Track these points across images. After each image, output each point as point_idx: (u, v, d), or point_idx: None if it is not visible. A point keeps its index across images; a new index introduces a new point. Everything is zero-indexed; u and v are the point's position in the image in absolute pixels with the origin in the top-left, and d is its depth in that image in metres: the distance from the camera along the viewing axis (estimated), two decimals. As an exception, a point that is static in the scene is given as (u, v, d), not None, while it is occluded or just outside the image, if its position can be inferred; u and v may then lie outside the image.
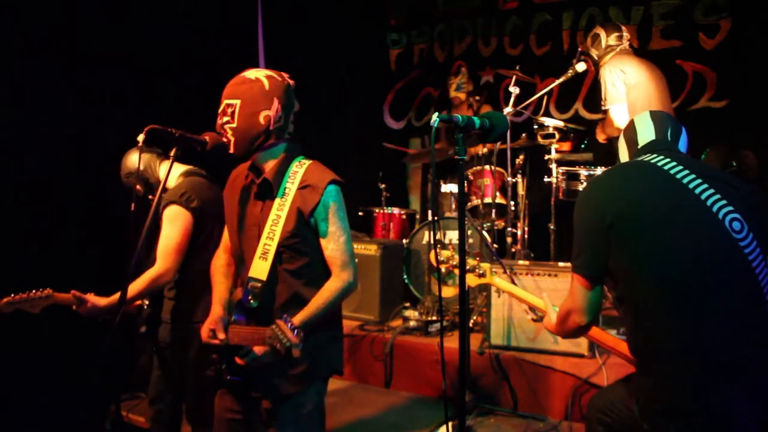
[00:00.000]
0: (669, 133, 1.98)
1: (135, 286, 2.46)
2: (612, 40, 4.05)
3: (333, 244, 2.07)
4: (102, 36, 3.94)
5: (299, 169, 2.12)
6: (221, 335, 2.00)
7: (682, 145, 2.00)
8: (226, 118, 2.07)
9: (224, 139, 2.07)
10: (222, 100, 2.09)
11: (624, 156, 2.08)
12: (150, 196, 2.82)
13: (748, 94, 4.76)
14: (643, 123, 2.03)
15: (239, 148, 2.08)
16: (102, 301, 2.53)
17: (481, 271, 2.45)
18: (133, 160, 2.80)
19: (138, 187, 2.78)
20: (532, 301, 2.31)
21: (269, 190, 2.10)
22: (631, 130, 2.06)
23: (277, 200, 2.07)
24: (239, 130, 2.07)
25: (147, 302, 2.73)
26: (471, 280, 2.48)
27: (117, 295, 2.61)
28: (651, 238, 1.74)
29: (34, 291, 2.53)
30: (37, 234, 3.59)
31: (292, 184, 2.08)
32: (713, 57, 4.97)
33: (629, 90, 3.83)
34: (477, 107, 5.20)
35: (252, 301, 2.03)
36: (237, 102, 2.06)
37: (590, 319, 1.89)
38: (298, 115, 2.22)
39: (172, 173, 2.75)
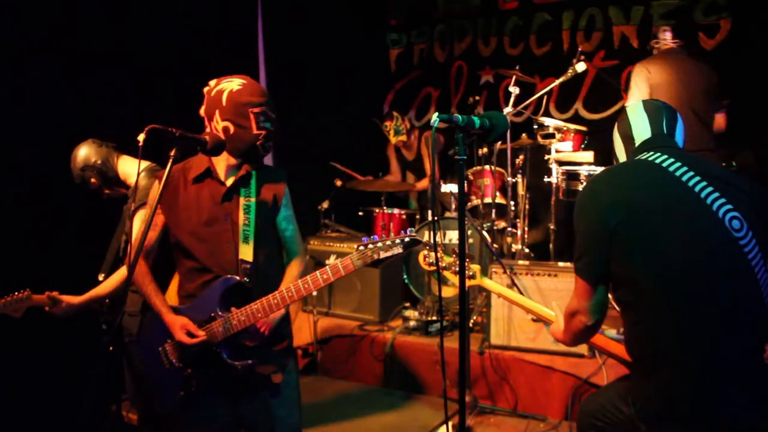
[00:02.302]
0: (665, 125, 1.94)
1: (108, 284, 2.57)
2: (659, 37, 4.09)
3: (293, 225, 2.36)
4: (102, 36, 3.94)
5: (249, 167, 2.29)
6: (200, 332, 2.15)
7: (679, 135, 1.96)
8: (270, 124, 2.22)
9: (266, 145, 2.22)
10: (258, 106, 2.18)
11: (620, 151, 2.04)
12: (107, 191, 2.92)
13: (748, 94, 4.76)
14: (636, 115, 1.98)
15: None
16: (75, 300, 2.58)
17: (470, 273, 2.43)
18: (88, 153, 2.87)
19: (93, 180, 2.87)
20: (524, 303, 2.31)
21: (239, 184, 2.25)
22: (624, 123, 2.01)
23: (243, 191, 2.24)
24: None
25: (107, 299, 2.76)
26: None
27: (90, 293, 2.65)
28: (653, 242, 1.73)
29: (15, 293, 2.54)
30: (19, 235, 3.57)
31: (252, 179, 2.27)
32: (713, 57, 4.96)
33: (652, 90, 3.85)
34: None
35: (248, 281, 2.18)
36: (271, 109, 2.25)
37: (597, 319, 1.87)
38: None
39: (134, 170, 2.84)
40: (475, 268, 2.44)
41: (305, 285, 2.10)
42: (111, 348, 2.65)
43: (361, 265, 2.03)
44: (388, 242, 1.99)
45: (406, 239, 2.00)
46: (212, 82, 2.24)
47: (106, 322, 2.69)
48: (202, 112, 2.24)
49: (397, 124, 5.40)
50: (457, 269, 2.40)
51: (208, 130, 2.22)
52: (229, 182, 2.25)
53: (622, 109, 2.07)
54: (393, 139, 5.47)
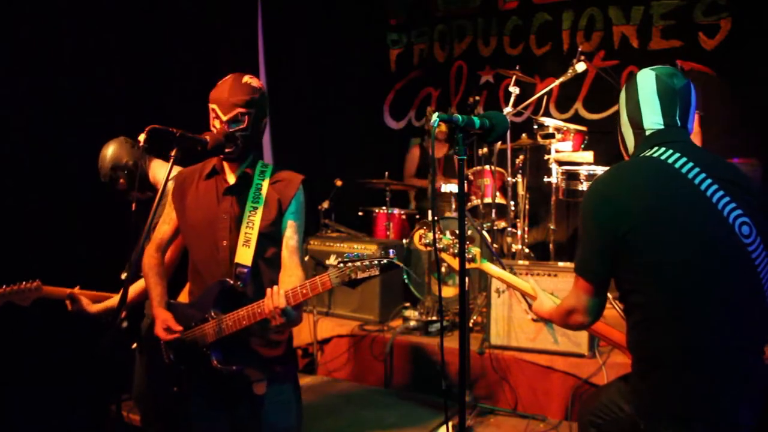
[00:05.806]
0: (678, 115, 1.84)
1: (137, 287, 2.48)
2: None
3: (298, 235, 2.22)
4: (102, 36, 3.95)
5: (265, 169, 2.25)
6: (178, 327, 2.10)
7: (690, 123, 1.87)
8: (238, 125, 2.12)
9: (230, 145, 2.12)
10: (230, 106, 2.10)
11: (628, 133, 1.91)
12: (135, 193, 2.77)
13: (748, 94, 4.75)
14: (648, 102, 1.85)
15: (245, 153, 2.19)
16: (94, 308, 2.58)
17: (470, 256, 2.40)
18: (120, 153, 2.75)
19: (122, 180, 2.75)
20: (521, 286, 2.31)
21: (245, 185, 2.20)
22: (634, 106, 1.88)
23: (251, 194, 2.18)
24: (251, 138, 2.17)
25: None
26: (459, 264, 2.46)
27: (107, 303, 2.64)
28: (662, 247, 1.71)
29: (24, 283, 2.54)
30: (33, 232, 3.59)
31: (262, 181, 2.21)
32: (713, 57, 4.96)
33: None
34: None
35: (241, 285, 2.12)
36: (252, 111, 2.14)
37: (593, 319, 1.89)
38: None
39: (164, 174, 2.77)
40: (475, 251, 2.40)
41: (286, 299, 1.99)
42: (135, 346, 2.67)
43: (339, 283, 1.94)
44: (366, 263, 1.92)
45: (384, 261, 1.92)
46: None
47: (107, 323, 2.68)
48: None
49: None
50: (455, 251, 2.41)
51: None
52: (234, 181, 2.22)
53: (632, 78, 1.90)
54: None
